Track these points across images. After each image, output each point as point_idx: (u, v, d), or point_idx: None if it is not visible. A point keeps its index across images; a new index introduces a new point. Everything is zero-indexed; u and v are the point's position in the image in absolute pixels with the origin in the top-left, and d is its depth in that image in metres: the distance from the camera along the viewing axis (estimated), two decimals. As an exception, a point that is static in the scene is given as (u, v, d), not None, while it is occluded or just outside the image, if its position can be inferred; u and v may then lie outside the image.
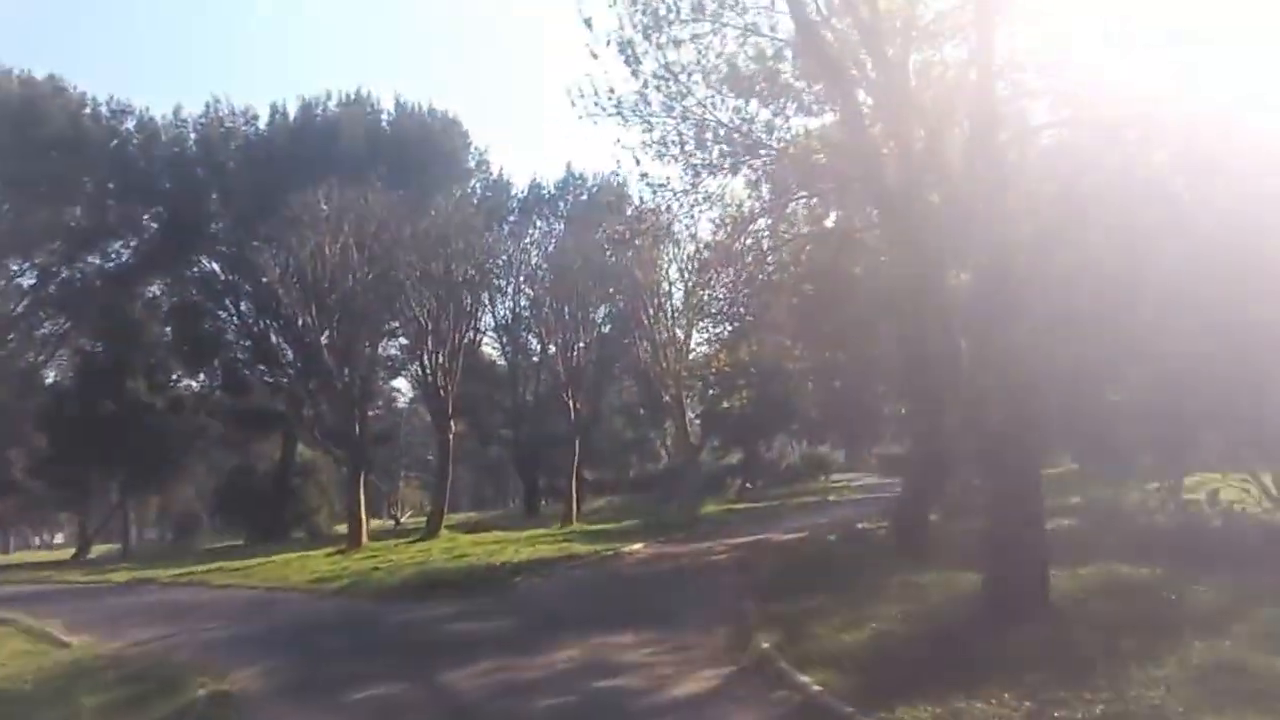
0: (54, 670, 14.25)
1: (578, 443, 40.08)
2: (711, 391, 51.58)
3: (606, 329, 50.01)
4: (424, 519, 43.34)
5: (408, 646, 14.19)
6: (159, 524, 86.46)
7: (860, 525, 26.67)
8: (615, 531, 32.21)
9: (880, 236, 21.67)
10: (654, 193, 21.73)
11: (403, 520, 64.40)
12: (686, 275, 35.80)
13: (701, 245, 27.09)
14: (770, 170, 21.95)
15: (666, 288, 37.93)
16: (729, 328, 35.05)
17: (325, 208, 34.28)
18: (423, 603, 18.62)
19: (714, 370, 35.01)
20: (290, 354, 50.81)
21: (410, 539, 35.89)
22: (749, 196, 23.11)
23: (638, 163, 21.40)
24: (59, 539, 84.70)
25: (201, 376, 55.38)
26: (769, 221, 23.68)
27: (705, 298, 32.13)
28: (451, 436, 37.13)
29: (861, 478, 65.34)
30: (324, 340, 33.83)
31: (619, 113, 21.79)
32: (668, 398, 38.67)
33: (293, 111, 51.27)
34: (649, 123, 21.55)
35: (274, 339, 52.14)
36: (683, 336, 38.34)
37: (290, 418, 45.53)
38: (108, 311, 46.83)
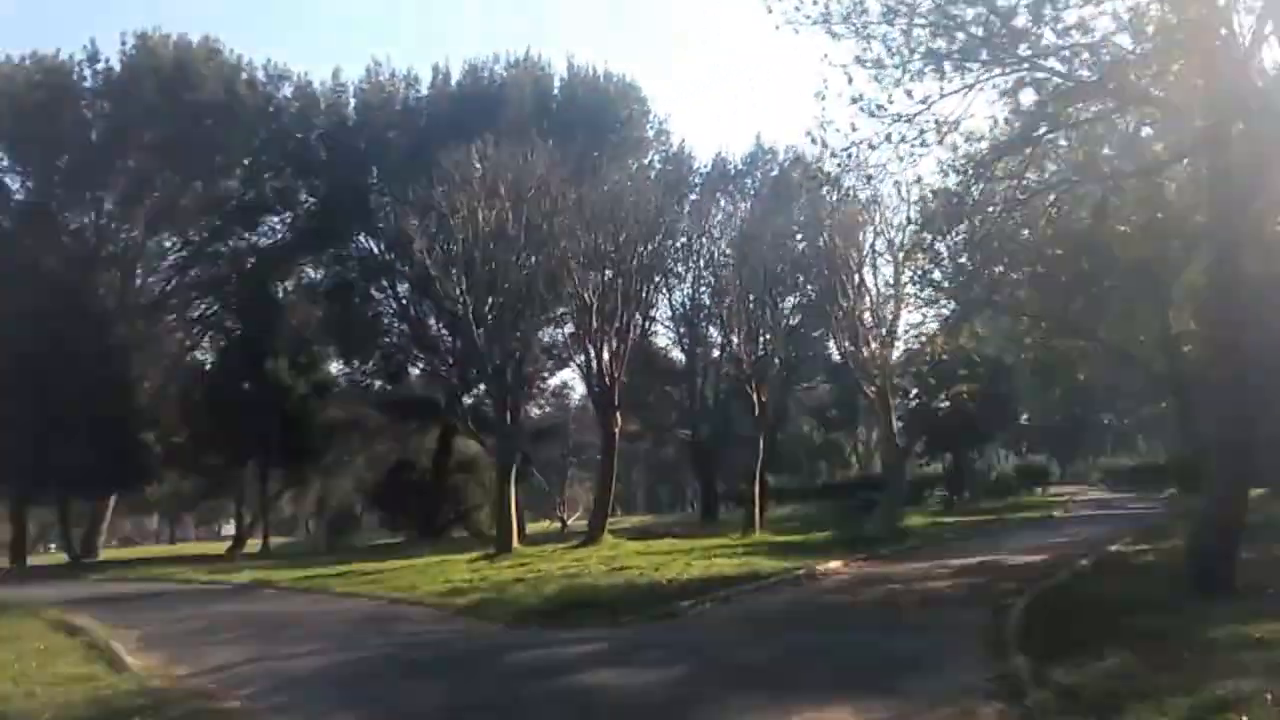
0: (82, 707, 11.15)
1: (762, 442, 35.89)
2: (914, 391, 47.02)
3: (796, 320, 46.05)
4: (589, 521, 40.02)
5: (519, 713, 10.34)
6: (320, 519, 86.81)
7: (1113, 548, 22.70)
8: (805, 545, 27.91)
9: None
10: (871, 115, 17.27)
11: (570, 523, 61.49)
12: (898, 243, 31.12)
13: (925, 195, 22.44)
14: (1031, 85, 17.18)
15: (872, 261, 33.26)
16: (950, 305, 30.13)
17: (479, 166, 31.24)
18: (562, 630, 14.90)
19: (930, 358, 30.02)
20: (449, 338, 48.72)
21: (570, 544, 32.59)
22: (999, 123, 18.29)
23: (850, 81, 16.94)
24: (230, 529, 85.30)
25: (356, 363, 53.87)
26: (1019, 161, 19.00)
27: (922, 266, 27.11)
28: (616, 430, 33.52)
29: (1083, 491, 61.22)
30: (475, 317, 30.67)
31: (825, 21, 17.51)
32: (871, 392, 33.80)
33: (456, 74, 49.06)
34: (865, 36, 17.15)
35: (433, 323, 50.18)
36: (890, 318, 33.47)
37: (447, 407, 42.87)
38: (259, 292, 45.18)
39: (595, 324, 32.65)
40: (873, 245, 32.68)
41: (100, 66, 46.48)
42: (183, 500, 54.52)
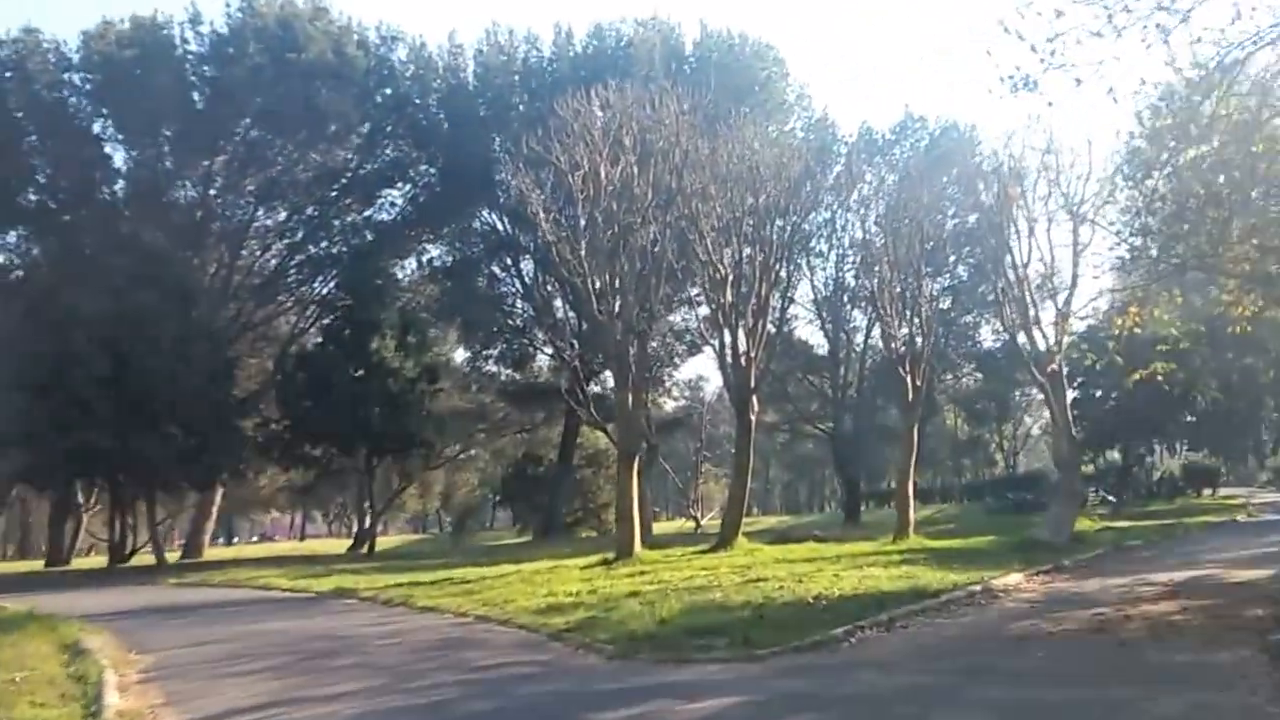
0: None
1: (916, 434, 31.70)
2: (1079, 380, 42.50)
3: (945, 304, 41.98)
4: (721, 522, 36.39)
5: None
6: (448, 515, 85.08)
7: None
8: (967, 552, 23.93)
9: None
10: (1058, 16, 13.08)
11: (704, 523, 58.09)
12: (1083, 196, 26.50)
13: (1142, 113, 17.95)
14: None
15: (1048, 219, 28.46)
16: (1148, 266, 25.16)
17: (601, 114, 27.85)
18: (679, 667, 11.37)
19: (1119, 333, 25.01)
20: (573, 319, 45.85)
21: (700, 549, 28.99)
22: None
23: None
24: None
25: (479, 349, 51.37)
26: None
27: (1130, 209, 22.27)
28: (754, 417, 29.70)
29: (1255, 494, 58.08)
30: (595, 286, 27.21)
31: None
32: (1041, 379, 28.99)
33: (580, 35, 46.00)
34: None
35: (558, 304, 47.39)
36: (1066, 289, 28.62)
37: (569, 393, 39.75)
38: (373, 270, 42.56)
39: (730, 298, 28.96)
40: (1047, 203, 27.99)
41: (204, 29, 44.65)
42: (294, 495, 51.94)
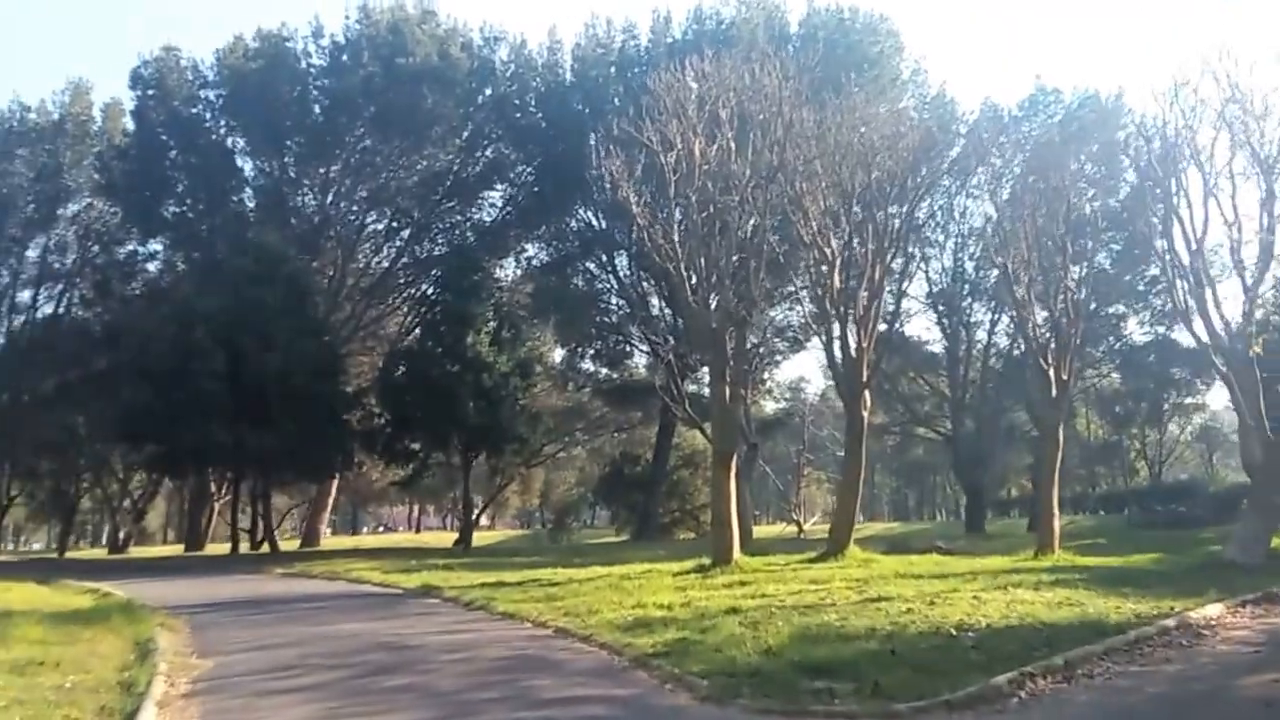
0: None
1: (1061, 433, 27.90)
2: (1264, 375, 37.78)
3: (1082, 294, 37.99)
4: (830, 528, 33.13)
5: None
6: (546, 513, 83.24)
7: None
8: (1133, 573, 19.41)
9: None
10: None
11: (806, 528, 54.78)
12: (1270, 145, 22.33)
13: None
14: None
15: (1230, 180, 23.99)
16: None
17: (695, 86, 24.92)
18: (788, 720, 8.49)
19: None
20: (669, 315, 43.22)
21: (806, 556, 25.74)
22: None
23: None
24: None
25: (576, 347, 48.96)
26: None
27: None
28: (866, 413, 26.35)
29: None
30: (690, 272, 24.29)
31: None
32: (1223, 369, 24.38)
33: (679, 20, 43.40)
34: None
35: (655, 302, 44.77)
36: (1258, 261, 23.97)
37: (664, 390, 36.98)
38: (472, 269, 40.49)
39: (839, 284, 25.71)
40: (1231, 162, 23.71)
41: (324, 42, 44.35)
42: (399, 489, 50.68)
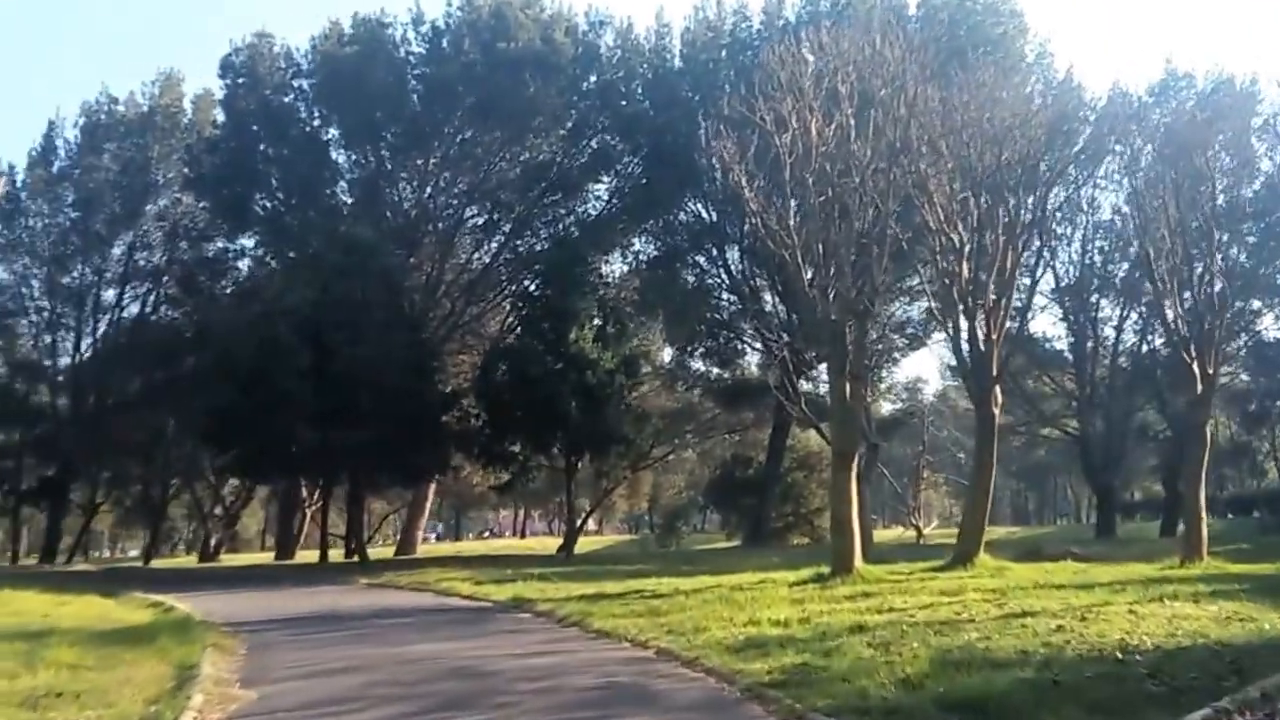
0: None
1: (1209, 431, 25.58)
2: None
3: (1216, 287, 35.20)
4: (954, 532, 31.18)
5: None
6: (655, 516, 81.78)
7: None
8: None
9: None
10: None
11: (926, 533, 52.43)
12: None
13: None
14: None
15: None
16: None
17: (811, 59, 23.31)
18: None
19: None
20: (783, 310, 41.57)
21: (932, 563, 23.91)
22: None
23: None
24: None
25: (685, 344, 47.46)
26: None
27: None
28: (996, 410, 24.38)
29: None
30: (806, 259, 22.68)
31: None
32: None
33: (793, 2, 41.54)
34: None
35: (768, 298, 43.18)
36: None
37: (779, 388, 35.38)
38: (576, 264, 39.10)
39: (968, 273, 23.84)
40: None
41: (424, 28, 43.18)
42: (500, 493, 49.04)
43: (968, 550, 23.68)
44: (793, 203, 23.44)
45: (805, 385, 38.72)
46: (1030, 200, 24.90)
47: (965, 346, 24.37)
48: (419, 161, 43.42)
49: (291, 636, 15.88)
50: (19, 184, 50.15)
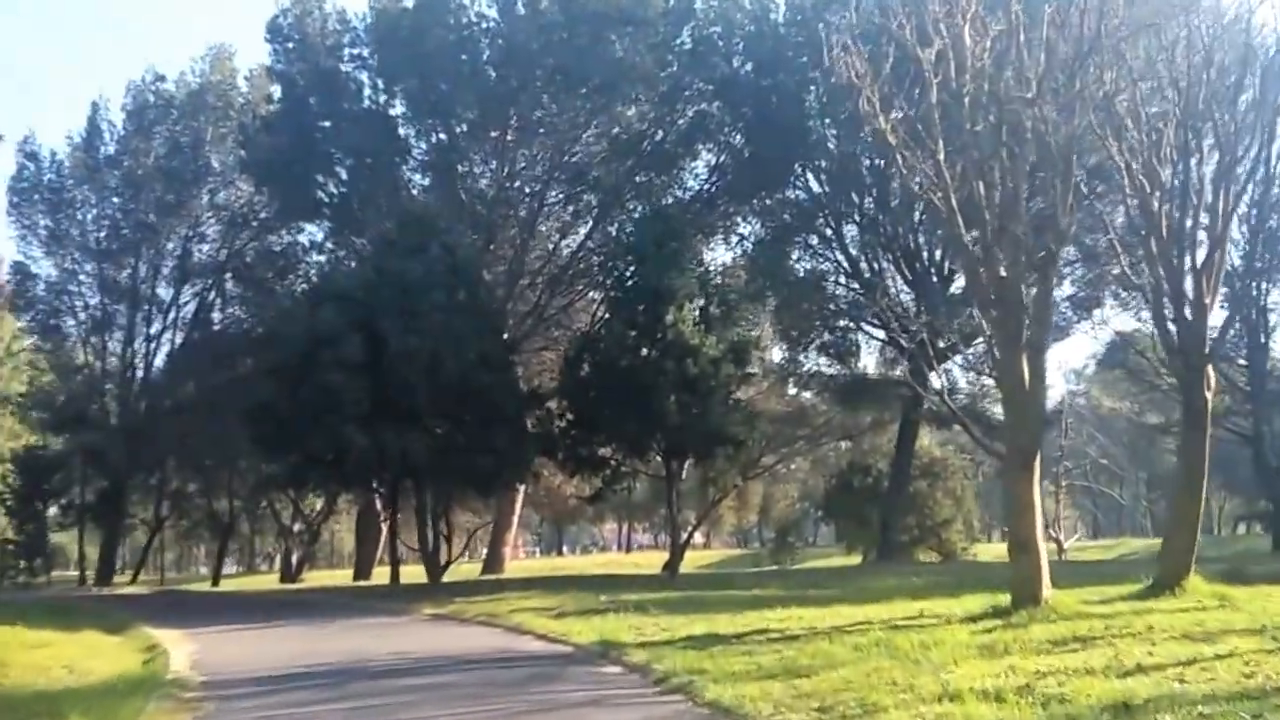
0: None
1: None
2: None
3: None
4: (1093, 546, 25.74)
5: None
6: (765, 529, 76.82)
7: None
8: None
9: None
10: None
11: (1067, 547, 47.01)
12: None
13: None
14: None
15: None
16: None
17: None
18: None
19: None
20: (910, 296, 36.64)
21: (1124, 589, 18.65)
22: None
23: None
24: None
25: (796, 336, 42.45)
26: None
27: None
28: (1209, 396, 19.16)
29: None
30: (962, 206, 17.81)
31: None
32: None
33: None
34: None
35: (891, 284, 38.24)
36: None
37: (915, 375, 30.36)
38: (669, 248, 34.17)
39: (1167, 220, 18.67)
40: None
41: None
42: (593, 503, 43.99)
43: (1176, 572, 18.58)
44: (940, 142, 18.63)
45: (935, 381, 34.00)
46: (1252, 118, 19.58)
47: (1169, 313, 19.27)
48: (494, 134, 38.80)
49: (278, 704, 11.72)
50: (62, 171, 47.47)
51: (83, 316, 48.14)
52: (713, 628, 16.07)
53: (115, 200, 46.98)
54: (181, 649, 17.51)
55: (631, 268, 30.95)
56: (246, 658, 15.86)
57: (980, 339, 37.58)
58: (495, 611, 22.15)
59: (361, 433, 27.94)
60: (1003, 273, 17.29)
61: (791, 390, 46.14)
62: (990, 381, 35.81)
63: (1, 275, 50.11)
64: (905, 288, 37.75)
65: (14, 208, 47.35)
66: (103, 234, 46.95)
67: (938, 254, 38.36)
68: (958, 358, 38.08)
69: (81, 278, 48.10)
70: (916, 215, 35.79)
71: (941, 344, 31.54)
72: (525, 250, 40.34)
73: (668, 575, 31.52)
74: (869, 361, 44.68)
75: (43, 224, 47.58)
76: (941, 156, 17.99)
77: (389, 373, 28.51)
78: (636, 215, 37.08)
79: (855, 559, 46.89)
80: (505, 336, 35.34)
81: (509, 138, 38.77)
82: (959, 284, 36.36)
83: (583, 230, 41.63)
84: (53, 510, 52.65)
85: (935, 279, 37.17)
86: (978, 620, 15.47)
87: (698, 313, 29.45)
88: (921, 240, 38.43)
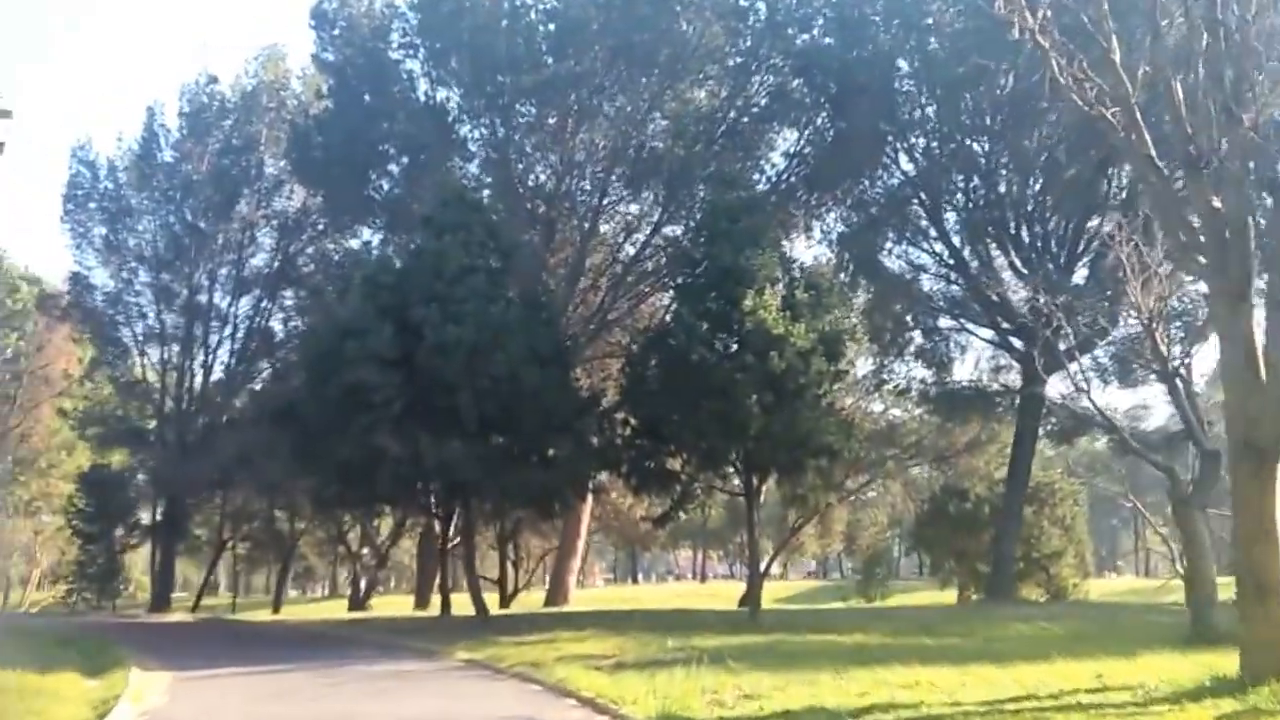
0: None
1: None
2: None
3: None
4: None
5: None
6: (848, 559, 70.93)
7: None
8: None
9: None
10: None
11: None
12: None
13: None
14: None
15: None
16: None
17: None
18: None
19: None
20: (1022, 288, 31.18)
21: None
22: None
23: None
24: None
25: (887, 338, 36.59)
26: None
27: None
28: None
29: None
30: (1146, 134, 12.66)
31: None
32: None
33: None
34: None
35: (1004, 275, 32.86)
36: None
37: (1023, 386, 24.70)
38: (749, 209, 28.53)
39: None
40: None
41: None
42: (659, 525, 38.16)
43: None
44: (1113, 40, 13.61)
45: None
46: None
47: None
48: (551, 122, 34.21)
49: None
50: (118, 179, 44.57)
51: (139, 328, 45.00)
52: (816, 697, 11.13)
53: (170, 207, 43.96)
54: (143, 703, 13.84)
55: (703, 248, 25.41)
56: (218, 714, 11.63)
57: (1108, 338, 32.09)
58: (539, 660, 17.49)
59: (394, 438, 23.24)
60: (1215, 201, 11.98)
61: (878, 405, 39.93)
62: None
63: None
64: (1017, 280, 32.08)
65: (69, 215, 44.56)
66: (160, 242, 43.82)
67: (1053, 241, 32.96)
68: (1085, 358, 31.69)
69: (137, 287, 44.93)
70: (1034, 187, 30.56)
71: (1062, 345, 25.88)
72: (586, 249, 35.54)
73: (747, 613, 25.85)
74: (967, 370, 39.02)
75: (98, 233, 44.57)
76: (1117, 57, 12.91)
77: (425, 369, 23.80)
78: (705, 209, 31.84)
79: (949, 595, 41.73)
80: (564, 340, 30.43)
81: (568, 126, 34.00)
82: (1081, 274, 31.06)
83: (648, 227, 36.52)
84: (119, 531, 49.25)
85: (1054, 268, 31.47)
86: (1198, 699, 10.21)
87: (780, 300, 23.69)
88: (1035, 224, 33.06)
